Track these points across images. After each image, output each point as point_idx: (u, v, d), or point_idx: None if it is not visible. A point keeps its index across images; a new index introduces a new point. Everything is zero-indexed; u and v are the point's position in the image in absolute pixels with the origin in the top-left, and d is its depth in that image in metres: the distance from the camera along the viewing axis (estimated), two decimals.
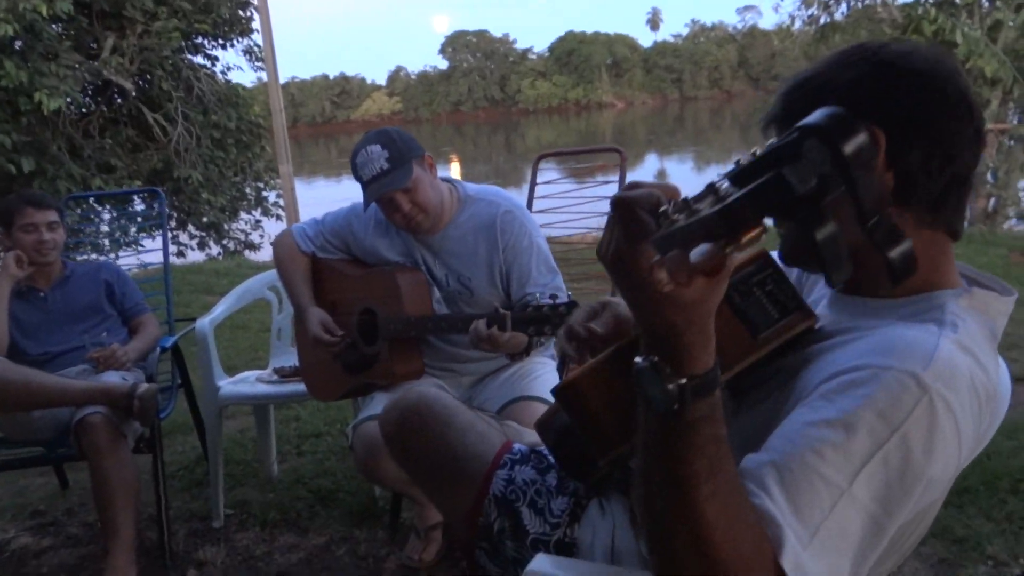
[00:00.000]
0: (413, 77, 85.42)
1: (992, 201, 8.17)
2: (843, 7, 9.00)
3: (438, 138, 53.21)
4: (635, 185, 0.72)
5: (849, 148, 0.59)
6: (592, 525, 1.22)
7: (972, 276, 1.01)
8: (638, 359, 0.76)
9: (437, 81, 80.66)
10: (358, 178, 2.14)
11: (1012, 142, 7.85)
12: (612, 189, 3.17)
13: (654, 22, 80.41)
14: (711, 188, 0.64)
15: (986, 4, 7.35)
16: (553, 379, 2.23)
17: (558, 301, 1.88)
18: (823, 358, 0.93)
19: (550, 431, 1.27)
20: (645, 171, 27.56)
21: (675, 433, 0.76)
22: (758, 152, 0.63)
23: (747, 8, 72.28)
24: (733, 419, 0.98)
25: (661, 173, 26.89)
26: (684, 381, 0.74)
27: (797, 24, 9.62)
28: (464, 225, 2.24)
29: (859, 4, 8.80)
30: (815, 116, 0.61)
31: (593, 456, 1.05)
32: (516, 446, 1.36)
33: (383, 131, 2.17)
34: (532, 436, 1.41)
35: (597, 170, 3.70)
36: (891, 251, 0.63)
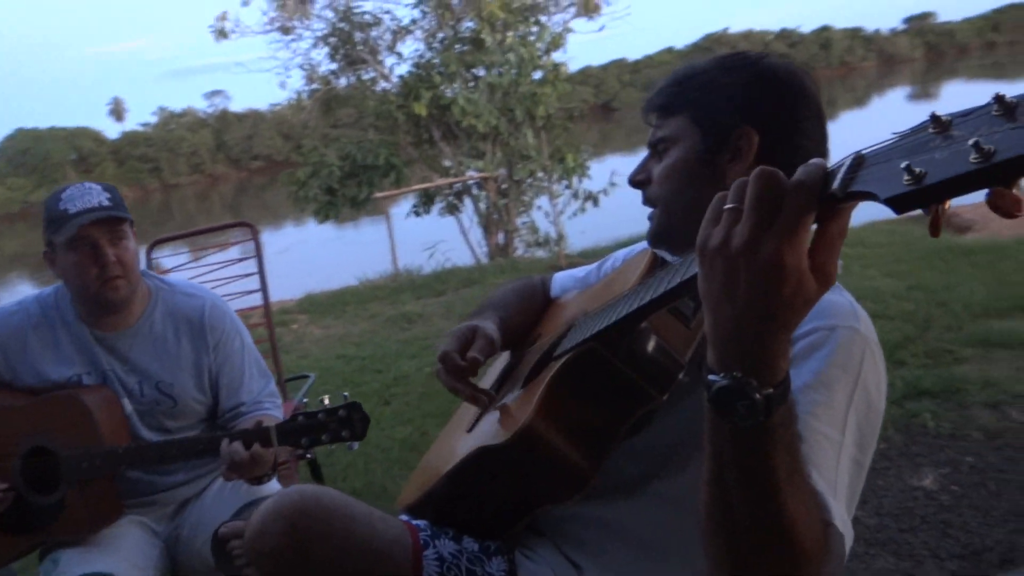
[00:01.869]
0: None
1: (501, 236, 9.49)
2: (342, 80, 9.65)
3: None
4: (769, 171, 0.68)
5: None
6: (533, 575, 1.16)
7: None
8: (713, 376, 0.73)
9: None
10: (61, 211, 1.75)
11: (505, 185, 9.23)
12: (251, 264, 2.96)
13: (117, 112, 75.85)
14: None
15: (482, 72, 8.59)
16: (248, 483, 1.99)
17: (331, 405, 1.70)
18: None
19: (430, 504, 1.23)
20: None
21: (758, 442, 0.74)
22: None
23: (214, 93, 72.54)
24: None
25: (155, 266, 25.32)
26: (771, 391, 0.71)
27: (305, 96, 10.02)
28: (161, 321, 1.91)
29: (360, 76, 9.54)
30: None
31: (562, 495, 1.04)
32: (415, 521, 1.21)
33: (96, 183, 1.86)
34: None
35: (227, 247, 3.41)
36: None
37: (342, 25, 9.08)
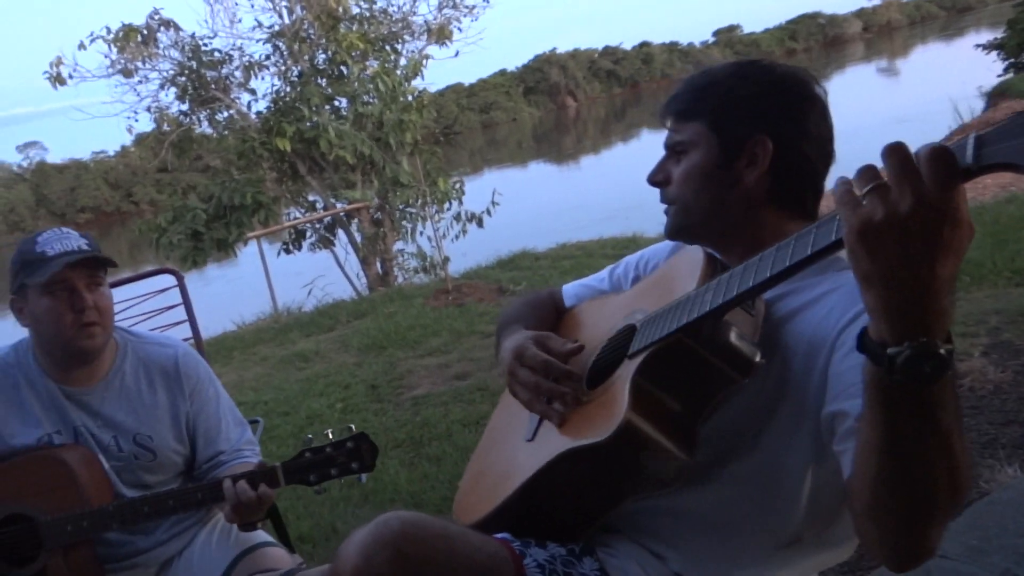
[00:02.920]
0: None
1: (379, 264, 9.42)
2: (196, 119, 9.28)
3: None
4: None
5: None
6: (622, 570, 1.23)
7: None
8: (894, 349, 0.79)
9: None
10: (38, 254, 1.68)
11: (379, 215, 9.19)
12: (180, 311, 2.83)
13: None
14: None
15: (345, 103, 8.52)
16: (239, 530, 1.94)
17: (338, 438, 1.67)
18: (807, 318, 1.13)
19: (506, 516, 1.28)
20: None
21: (942, 393, 0.81)
22: None
23: (28, 145, 67.24)
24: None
25: None
26: (951, 345, 0.79)
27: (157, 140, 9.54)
28: (132, 372, 1.85)
29: (214, 115, 9.20)
30: None
31: (662, 483, 1.13)
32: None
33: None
34: None
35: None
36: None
37: (191, 63, 8.75)
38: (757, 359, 1.07)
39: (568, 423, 1.23)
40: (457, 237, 8.43)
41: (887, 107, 22.60)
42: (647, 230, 8.84)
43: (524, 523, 1.27)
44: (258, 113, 9.11)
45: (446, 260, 7.43)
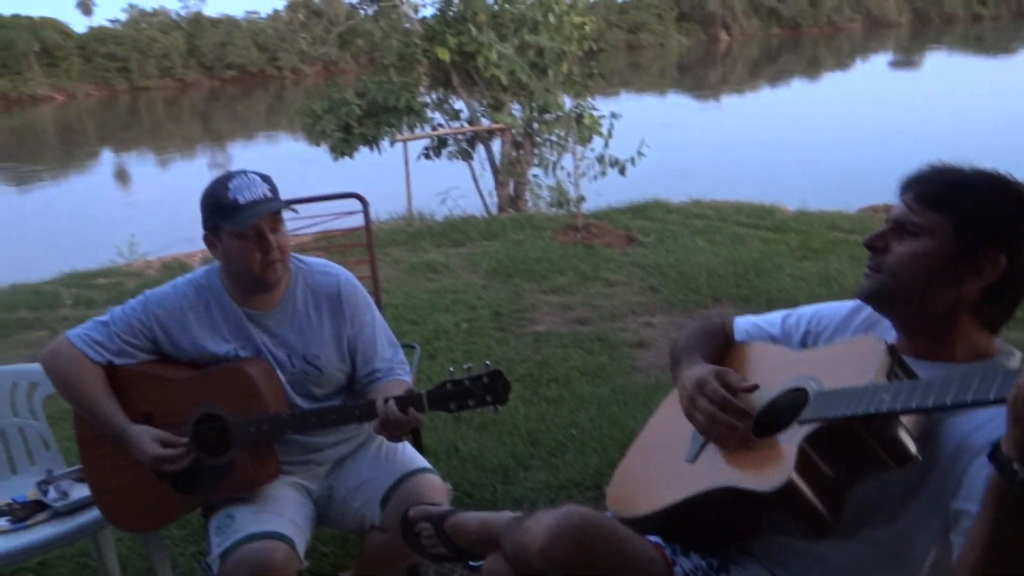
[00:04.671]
0: None
1: (512, 187, 9.62)
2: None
3: None
4: None
5: None
6: None
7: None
8: (1017, 465, 1.02)
9: None
10: (231, 200, 1.94)
11: (520, 138, 9.33)
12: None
13: (85, 6, 72.48)
14: None
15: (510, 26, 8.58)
16: (408, 448, 2.22)
17: (476, 372, 1.90)
18: (961, 423, 1.28)
19: (661, 522, 1.48)
20: (102, 172, 25.25)
21: None
22: None
23: None
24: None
25: (121, 172, 24.91)
26: None
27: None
28: (302, 298, 2.11)
29: (381, 10, 9.45)
30: None
31: (806, 537, 1.29)
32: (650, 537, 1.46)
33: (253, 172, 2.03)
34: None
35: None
36: None
37: None
38: (915, 454, 1.23)
39: (733, 459, 1.42)
40: (596, 178, 8.49)
41: None
42: (784, 200, 8.71)
43: (674, 531, 1.49)
44: (423, 19, 9.30)
45: (581, 199, 7.54)
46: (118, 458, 2.02)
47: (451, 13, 8.76)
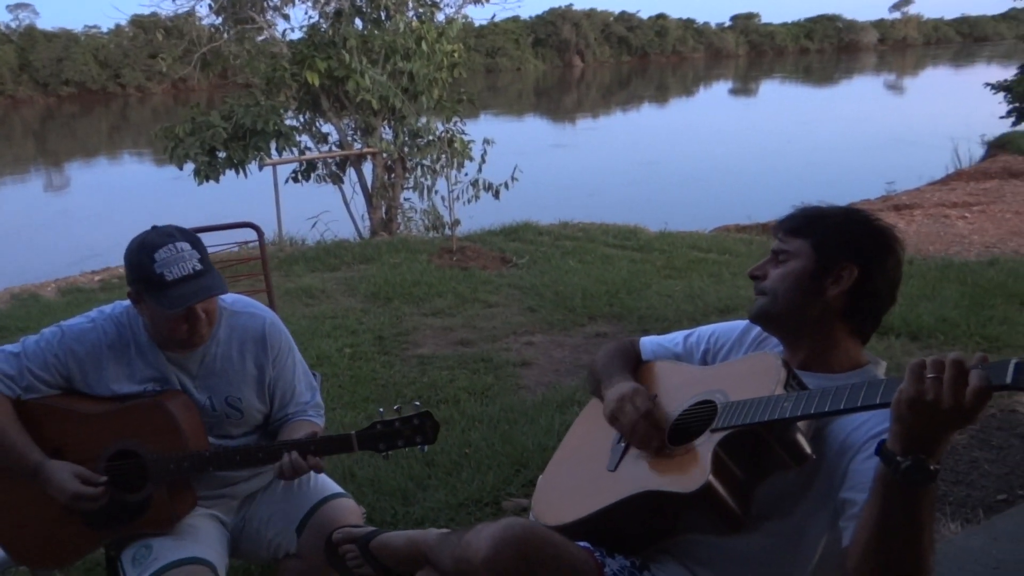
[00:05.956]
0: None
1: (384, 210, 9.64)
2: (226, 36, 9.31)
3: None
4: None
5: None
6: None
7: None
8: (900, 458, 1.21)
9: None
10: (157, 276, 1.87)
11: (391, 162, 9.38)
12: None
13: None
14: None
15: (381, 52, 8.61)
16: (322, 475, 2.26)
17: (406, 414, 1.98)
18: (844, 423, 1.50)
19: (587, 528, 1.64)
20: None
21: (924, 497, 1.24)
22: None
23: (19, 6, 64.87)
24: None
25: None
26: (938, 466, 1.22)
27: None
28: (225, 341, 2.11)
29: (244, 35, 9.25)
30: None
31: (719, 532, 1.48)
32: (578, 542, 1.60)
33: (178, 228, 1.96)
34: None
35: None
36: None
37: None
38: (810, 454, 1.44)
39: (653, 465, 1.58)
40: (469, 201, 8.65)
41: (888, 124, 23.03)
42: (645, 221, 9.20)
43: (600, 535, 1.63)
44: (290, 42, 9.19)
45: (456, 223, 7.67)
46: (17, 494, 1.95)
47: (319, 37, 8.71)
